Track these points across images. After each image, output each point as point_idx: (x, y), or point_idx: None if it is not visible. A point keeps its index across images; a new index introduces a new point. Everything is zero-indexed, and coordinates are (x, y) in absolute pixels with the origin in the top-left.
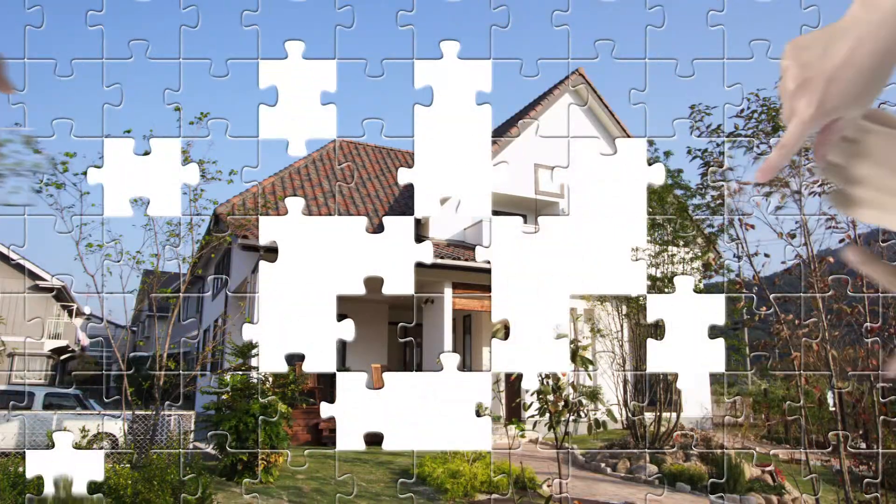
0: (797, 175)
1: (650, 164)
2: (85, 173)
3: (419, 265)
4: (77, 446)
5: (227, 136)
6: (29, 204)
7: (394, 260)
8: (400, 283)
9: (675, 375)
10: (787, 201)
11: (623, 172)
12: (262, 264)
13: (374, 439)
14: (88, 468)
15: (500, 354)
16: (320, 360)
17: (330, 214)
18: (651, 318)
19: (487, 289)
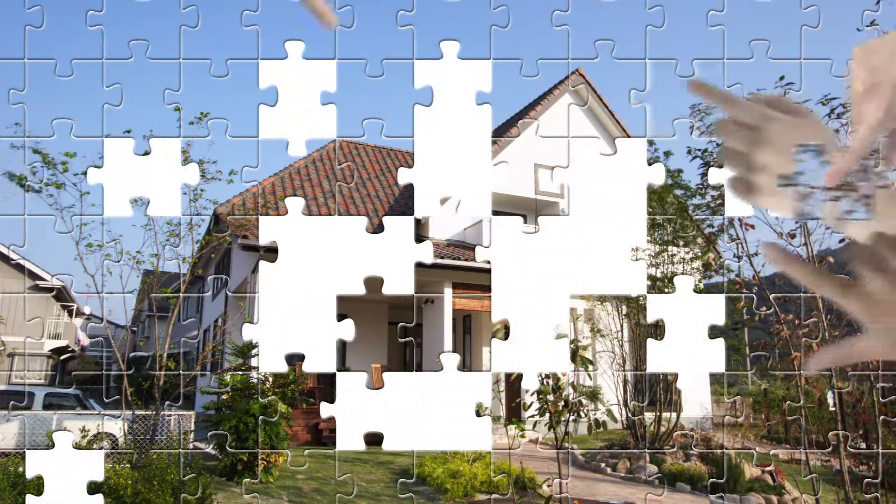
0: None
1: (650, 164)
2: (85, 173)
3: (419, 265)
4: (77, 446)
5: (227, 136)
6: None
7: (394, 260)
8: (400, 283)
9: (675, 375)
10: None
11: (623, 172)
12: (262, 264)
13: (374, 439)
14: (88, 468)
15: (500, 354)
16: (320, 360)
17: (330, 214)
18: (651, 318)
19: (487, 289)
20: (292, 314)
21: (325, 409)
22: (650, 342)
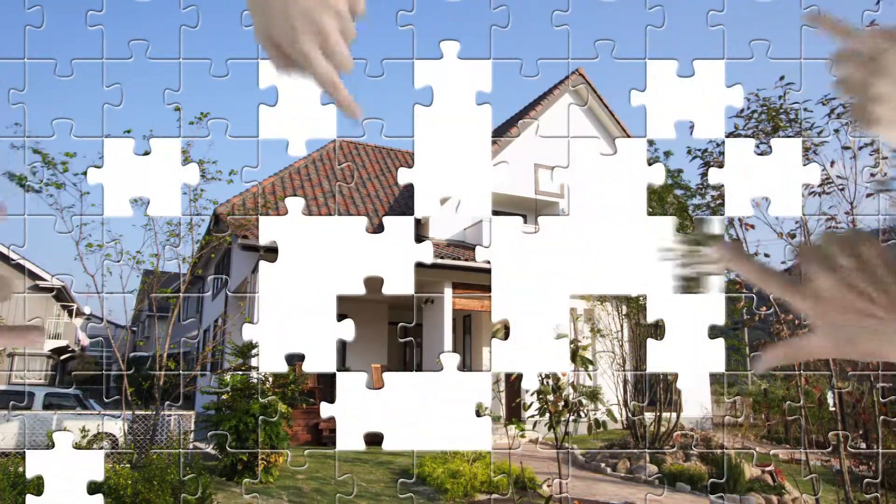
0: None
1: (650, 164)
2: (85, 173)
3: (419, 265)
4: (77, 446)
5: (227, 136)
6: None
7: (394, 260)
8: (400, 283)
9: (675, 375)
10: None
11: (623, 172)
12: (262, 264)
13: (374, 439)
14: (88, 468)
15: (500, 354)
16: (320, 360)
17: (330, 214)
18: (651, 318)
19: (487, 289)
20: (292, 314)
21: (325, 409)
22: (650, 342)
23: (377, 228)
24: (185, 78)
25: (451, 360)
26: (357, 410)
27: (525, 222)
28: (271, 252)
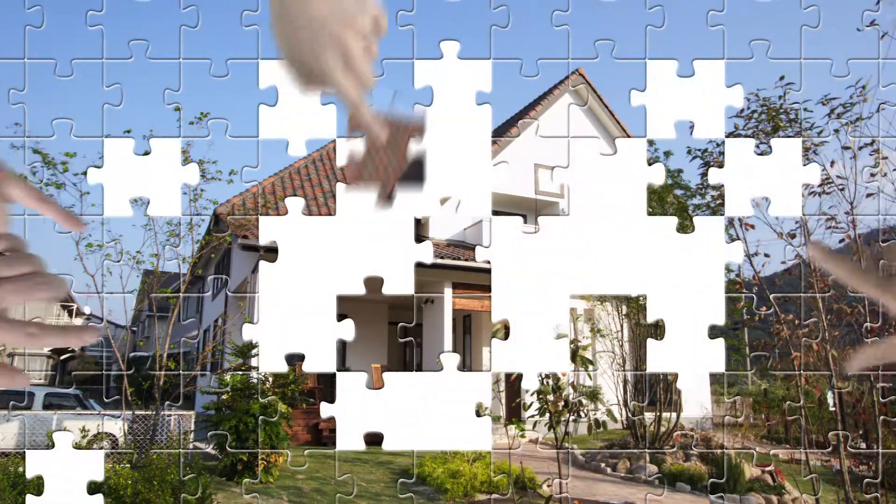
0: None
1: (650, 164)
2: (85, 173)
3: (419, 265)
4: (77, 446)
5: (227, 136)
6: None
7: (394, 260)
8: (400, 283)
9: (675, 375)
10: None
11: (623, 172)
12: (262, 264)
13: (374, 439)
14: (88, 468)
15: (500, 354)
16: (320, 360)
17: (330, 214)
18: (651, 318)
19: (487, 289)
20: (292, 314)
21: (325, 409)
22: (650, 342)
23: (389, 196)
24: (185, 78)
25: (451, 360)
26: (357, 410)
27: (525, 222)
28: (271, 252)
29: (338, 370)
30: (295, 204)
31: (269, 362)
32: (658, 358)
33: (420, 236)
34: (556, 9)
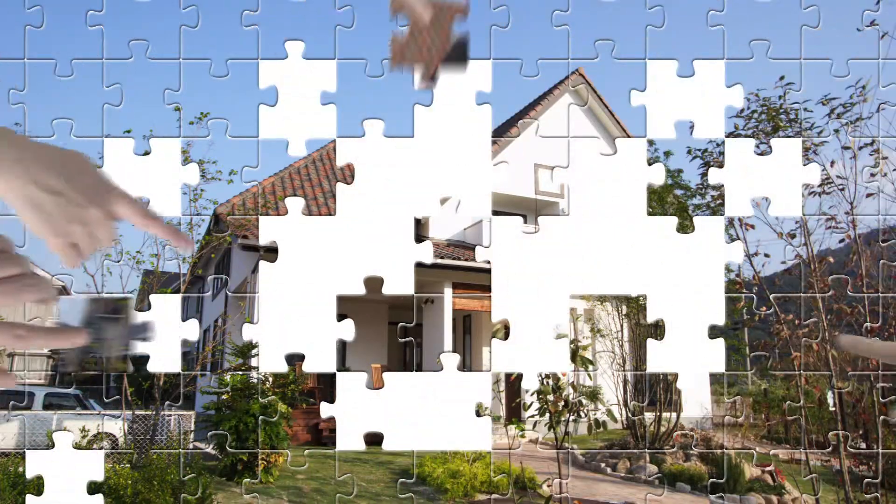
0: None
1: (650, 164)
2: None
3: (419, 265)
4: (77, 446)
5: (227, 136)
6: None
7: (394, 260)
8: (400, 283)
9: (675, 375)
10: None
11: (623, 172)
12: (262, 264)
13: (374, 439)
14: (88, 468)
15: (500, 354)
16: (320, 360)
17: (330, 214)
18: (651, 318)
19: (487, 289)
20: (292, 314)
21: (325, 409)
22: (650, 342)
23: (433, 77)
24: (185, 78)
25: (451, 360)
26: (357, 410)
27: (525, 222)
28: (271, 252)
29: (338, 370)
30: (295, 204)
31: (269, 362)
32: (658, 358)
33: (420, 236)
34: (556, 9)
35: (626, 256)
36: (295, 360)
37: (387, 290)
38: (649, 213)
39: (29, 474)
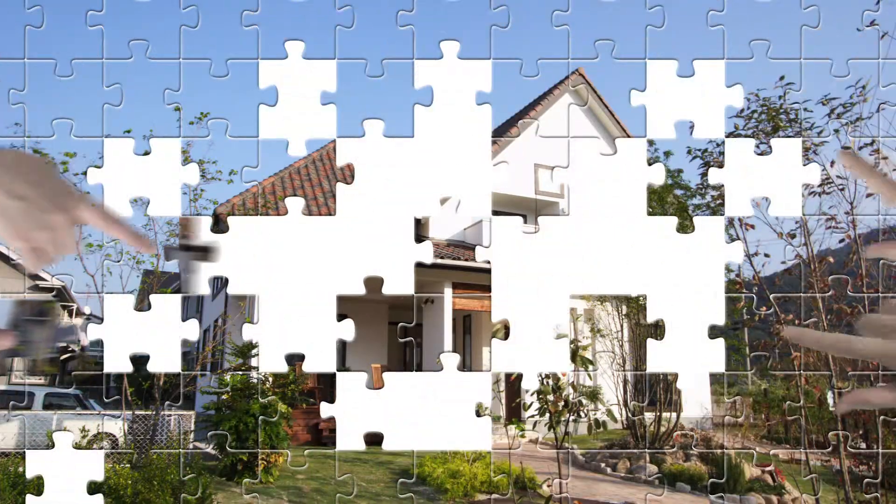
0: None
1: (650, 164)
2: (85, 173)
3: (419, 265)
4: (77, 446)
5: (227, 136)
6: None
7: (394, 260)
8: (400, 283)
9: (675, 375)
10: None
11: (623, 172)
12: (264, 265)
13: (374, 439)
14: (88, 468)
15: (500, 354)
16: (320, 360)
17: (330, 214)
18: (651, 318)
19: (487, 289)
20: (292, 314)
21: (325, 409)
22: (650, 342)
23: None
24: (185, 78)
25: (451, 360)
26: (357, 410)
27: (525, 222)
28: (203, 251)
29: (338, 370)
30: (295, 204)
31: (269, 362)
32: (658, 358)
33: (420, 236)
34: (556, 9)
35: (626, 256)
36: (295, 360)
37: (387, 290)
38: (649, 213)
39: (29, 474)
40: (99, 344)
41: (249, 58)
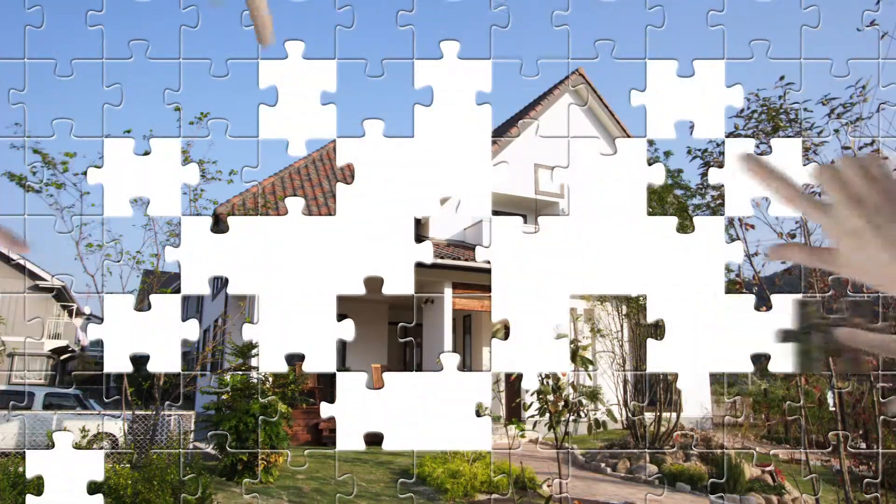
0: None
1: (650, 164)
2: (85, 173)
3: (419, 265)
4: (77, 446)
5: (227, 136)
6: None
7: (394, 260)
8: (400, 283)
9: (675, 375)
10: None
11: (623, 172)
12: (264, 264)
13: (374, 439)
14: (88, 468)
15: (500, 354)
16: (320, 360)
17: (330, 214)
18: (651, 318)
19: (487, 289)
20: (292, 314)
21: (325, 409)
22: (650, 342)
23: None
24: (185, 78)
25: (451, 360)
26: (357, 410)
27: (525, 222)
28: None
29: (338, 370)
30: (295, 204)
31: (269, 362)
32: (658, 358)
33: (420, 236)
34: (556, 9)
35: (626, 256)
36: (295, 360)
37: (387, 290)
38: (649, 213)
39: (29, 474)
40: (99, 344)
41: (249, 58)
